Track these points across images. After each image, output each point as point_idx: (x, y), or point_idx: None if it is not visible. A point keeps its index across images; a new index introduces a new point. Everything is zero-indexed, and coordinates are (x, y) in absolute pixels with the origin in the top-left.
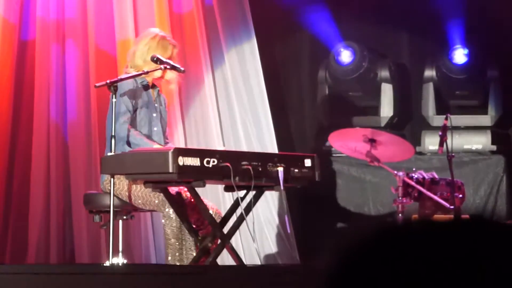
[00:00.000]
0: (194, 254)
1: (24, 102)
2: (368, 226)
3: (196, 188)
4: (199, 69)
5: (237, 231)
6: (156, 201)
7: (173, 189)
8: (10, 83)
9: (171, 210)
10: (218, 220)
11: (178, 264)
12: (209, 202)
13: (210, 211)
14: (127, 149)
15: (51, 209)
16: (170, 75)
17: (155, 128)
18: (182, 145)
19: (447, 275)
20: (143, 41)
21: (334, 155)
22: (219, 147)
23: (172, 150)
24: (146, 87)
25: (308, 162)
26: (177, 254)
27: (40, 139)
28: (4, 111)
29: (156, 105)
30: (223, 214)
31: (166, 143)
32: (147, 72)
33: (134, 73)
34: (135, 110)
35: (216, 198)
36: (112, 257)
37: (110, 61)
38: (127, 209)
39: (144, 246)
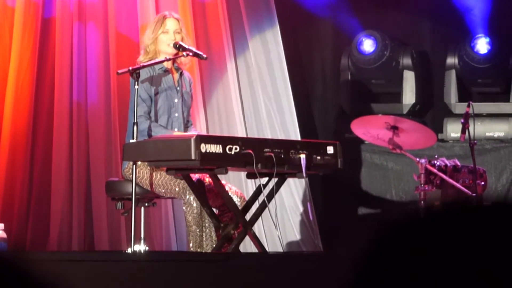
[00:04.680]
0: (214, 240)
1: (47, 81)
2: (395, 212)
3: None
4: (222, 57)
5: (260, 218)
6: (177, 189)
7: (194, 176)
8: (34, 60)
9: (192, 197)
10: (242, 204)
11: (199, 250)
12: (233, 186)
13: (235, 196)
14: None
15: (73, 195)
16: (185, 59)
17: (176, 114)
18: (204, 132)
19: (471, 261)
20: (150, 24)
21: (356, 142)
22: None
23: (194, 137)
24: (166, 72)
25: (330, 150)
26: (198, 241)
27: (62, 118)
28: (27, 89)
29: (178, 88)
30: (247, 198)
31: (186, 128)
32: (170, 59)
33: (157, 59)
34: (154, 97)
35: (238, 184)
36: (134, 244)
37: (131, 46)
38: (149, 196)
39: (164, 233)
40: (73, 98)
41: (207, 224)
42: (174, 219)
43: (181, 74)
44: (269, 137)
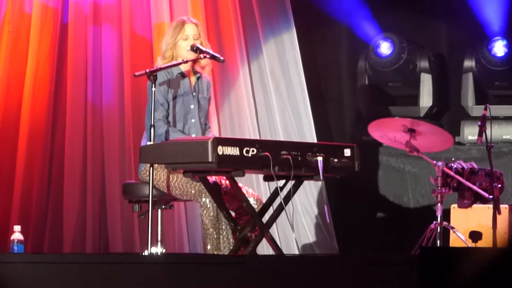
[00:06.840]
0: (231, 242)
1: (64, 84)
2: None
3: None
4: (234, 58)
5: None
6: (193, 191)
7: (211, 179)
8: (52, 64)
9: (207, 200)
10: (259, 207)
11: (216, 253)
12: (249, 189)
13: (251, 198)
14: None
15: (87, 197)
16: (204, 61)
17: (193, 120)
18: None
19: None
20: (168, 29)
21: (373, 145)
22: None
23: (211, 140)
24: (182, 76)
25: (347, 152)
26: (215, 243)
27: (76, 120)
28: (45, 93)
29: (194, 93)
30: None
31: (204, 132)
32: (187, 61)
33: (174, 62)
34: (172, 100)
35: (251, 187)
36: (151, 246)
37: (145, 45)
38: (166, 198)
39: (177, 236)
40: (87, 100)
41: (223, 227)
42: (187, 222)
43: (198, 79)
44: (285, 140)
